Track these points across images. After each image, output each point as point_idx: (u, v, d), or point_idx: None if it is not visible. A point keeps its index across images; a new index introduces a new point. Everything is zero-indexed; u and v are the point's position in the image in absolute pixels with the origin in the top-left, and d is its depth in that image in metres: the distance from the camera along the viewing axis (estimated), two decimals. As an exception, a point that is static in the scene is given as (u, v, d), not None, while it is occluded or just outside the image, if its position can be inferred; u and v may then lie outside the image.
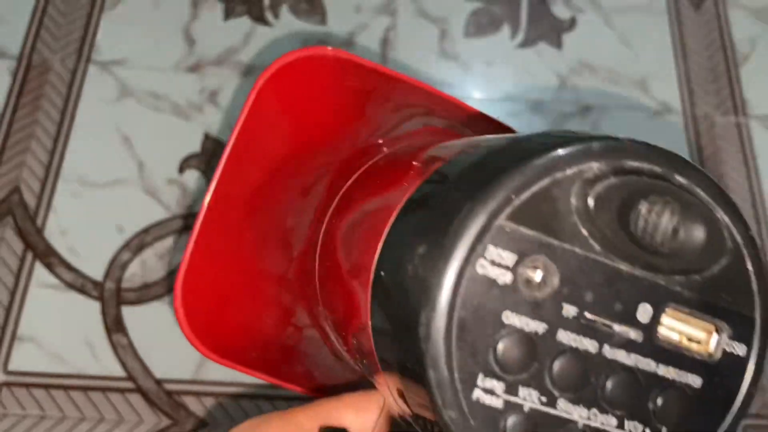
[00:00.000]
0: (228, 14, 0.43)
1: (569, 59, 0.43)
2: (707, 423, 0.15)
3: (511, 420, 0.14)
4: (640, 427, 0.15)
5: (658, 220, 0.15)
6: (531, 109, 0.41)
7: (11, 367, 0.33)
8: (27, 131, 0.38)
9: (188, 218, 0.37)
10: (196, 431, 0.32)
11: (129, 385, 0.33)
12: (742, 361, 0.16)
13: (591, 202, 0.15)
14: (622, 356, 0.15)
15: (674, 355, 0.15)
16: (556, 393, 0.14)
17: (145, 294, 0.35)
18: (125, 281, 0.35)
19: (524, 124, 0.41)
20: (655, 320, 0.15)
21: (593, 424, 0.15)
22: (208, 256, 0.24)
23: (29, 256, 0.36)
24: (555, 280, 0.14)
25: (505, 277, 0.14)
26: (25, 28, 0.41)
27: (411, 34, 0.43)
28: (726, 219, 0.16)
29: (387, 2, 0.43)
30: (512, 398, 0.14)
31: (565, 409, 0.14)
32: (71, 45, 0.41)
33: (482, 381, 0.14)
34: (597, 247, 0.15)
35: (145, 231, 0.36)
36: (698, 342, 0.15)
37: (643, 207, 0.15)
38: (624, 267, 0.15)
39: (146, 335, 0.34)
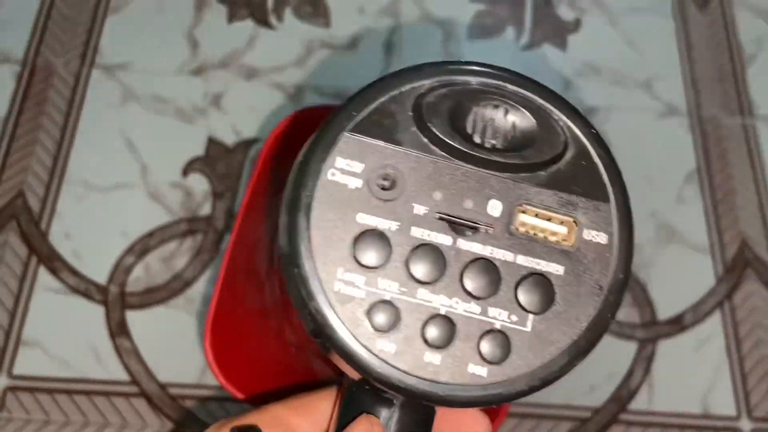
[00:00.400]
0: (231, 17, 0.42)
1: (574, 61, 0.43)
2: (577, 306, 0.16)
3: (373, 308, 0.16)
4: (504, 313, 0.16)
5: (489, 120, 0.17)
6: (536, 111, 0.41)
7: (16, 371, 0.33)
8: (31, 136, 0.38)
9: (192, 222, 0.37)
10: (200, 436, 0.32)
11: (133, 389, 0.33)
12: (604, 248, 0.17)
13: (425, 111, 0.17)
14: (477, 248, 0.16)
15: (532, 246, 0.16)
16: (414, 283, 0.16)
17: (149, 298, 0.35)
18: (129, 285, 0.35)
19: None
20: (509, 214, 0.16)
21: (456, 311, 0.16)
22: (229, 301, 0.26)
23: (33, 260, 0.36)
24: (403, 183, 0.16)
25: (356, 183, 0.16)
26: (29, 32, 0.41)
27: (415, 37, 0.43)
28: (564, 118, 0.17)
29: (391, 4, 0.43)
30: (373, 289, 0.16)
31: (426, 298, 0.16)
32: (75, 49, 0.41)
33: (343, 274, 0.16)
34: (439, 150, 0.17)
35: (149, 235, 0.36)
36: (556, 233, 0.16)
37: (475, 110, 0.17)
38: (468, 167, 0.17)
39: (150, 339, 0.34)
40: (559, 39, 0.43)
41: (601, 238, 0.17)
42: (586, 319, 0.16)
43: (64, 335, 0.34)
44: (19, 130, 0.39)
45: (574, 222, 0.17)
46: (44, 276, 0.35)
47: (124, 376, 0.33)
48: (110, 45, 0.41)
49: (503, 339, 0.16)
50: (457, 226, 0.16)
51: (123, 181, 0.38)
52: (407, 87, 0.17)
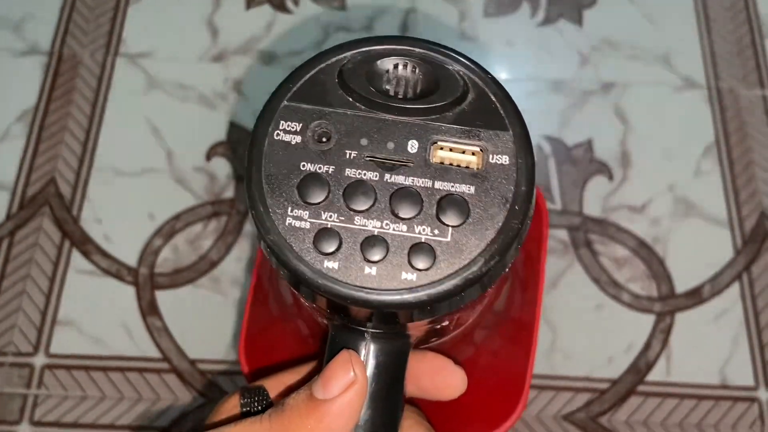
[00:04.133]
0: (249, 3, 0.43)
1: (591, 36, 0.43)
2: (488, 217, 0.19)
3: (318, 235, 0.19)
4: (428, 228, 0.19)
5: (401, 76, 0.21)
6: (551, 88, 0.41)
7: (53, 350, 0.35)
8: (60, 124, 0.40)
9: (216, 204, 0.38)
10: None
11: (164, 365, 0.35)
12: (508, 168, 0.20)
13: (347, 75, 0.21)
14: (401, 179, 0.20)
15: (447, 173, 0.20)
16: (351, 212, 0.19)
17: (177, 278, 0.36)
18: (158, 266, 0.37)
19: (544, 104, 0.41)
20: (425, 150, 0.20)
21: (388, 231, 0.19)
22: (258, 313, 0.29)
23: (66, 244, 0.37)
24: (335, 135, 0.20)
25: (296, 139, 0.20)
26: (54, 23, 0.42)
27: (430, 17, 0.43)
28: (463, 69, 0.21)
29: (406, -15, 0.44)
30: (316, 220, 0.19)
31: (361, 223, 0.19)
32: (100, 39, 0.42)
33: (291, 211, 0.19)
34: (361, 106, 0.20)
35: (176, 218, 0.38)
36: (465, 161, 0.20)
37: (388, 70, 0.21)
38: (387, 117, 0.20)
39: (180, 318, 0.36)
40: (575, 14, 0.43)
41: (504, 159, 0.20)
42: (496, 226, 0.19)
43: (97, 315, 0.36)
44: (48, 119, 0.40)
45: (480, 150, 0.20)
46: (77, 259, 0.37)
47: (155, 353, 0.35)
48: (133, 34, 0.42)
49: (428, 249, 0.19)
50: (382, 164, 0.20)
51: (149, 167, 0.39)
52: (332, 60, 0.21)
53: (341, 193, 0.19)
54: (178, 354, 0.35)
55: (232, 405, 0.23)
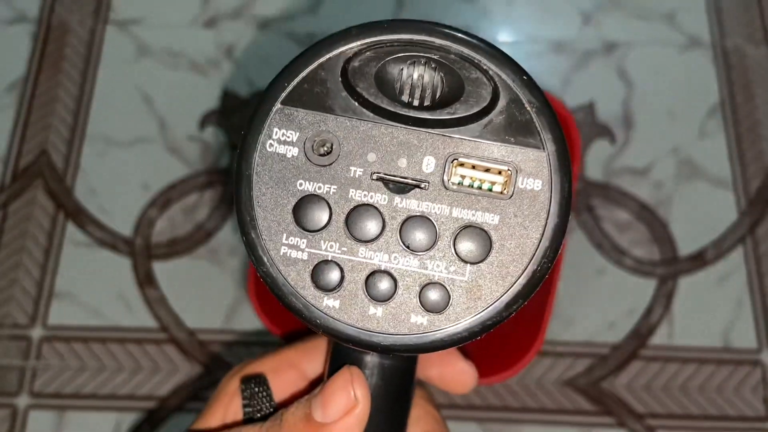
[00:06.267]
0: (241, -34, 0.42)
1: (592, -5, 0.41)
2: (514, 254, 0.17)
3: (316, 269, 0.17)
4: (442, 265, 0.17)
5: (416, 78, 0.17)
6: (553, 49, 0.40)
7: (50, 322, 0.35)
8: (51, 94, 0.39)
9: (211, 174, 0.37)
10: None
11: (163, 335, 0.34)
12: (540, 194, 0.17)
13: (353, 75, 0.17)
14: (413, 204, 0.17)
15: (467, 199, 0.17)
16: (355, 242, 0.17)
17: (173, 249, 0.36)
18: (154, 237, 0.36)
19: (546, 65, 0.40)
20: (442, 169, 0.17)
21: (396, 266, 0.17)
22: None
23: (61, 215, 0.37)
24: (337, 148, 0.17)
25: (292, 151, 0.17)
26: (42, -9, 0.41)
27: (427, -23, 0.42)
28: (494, 67, 0.17)
29: (402, -55, 0.42)
30: (315, 251, 0.17)
31: (366, 255, 0.17)
32: (88, 6, 0.41)
33: (287, 239, 0.17)
34: (369, 113, 0.17)
35: (171, 188, 0.37)
36: (490, 183, 0.17)
37: (401, 69, 0.17)
38: (399, 127, 0.17)
39: (177, 288, 0.35)
40: (576, -27, 0.42)
41: (536, 184, 0.17)
42: (523, 266, 0.17)
43: (94, 286, 0.35)
44: (39, 88, 0.39)
45: (508, 171, 0.17)
46: (72, 230, 0.36)
47: (153, 323, 0.35)
48: (122, 0, 0.41)
49: (442, 289, 0.17)
50: (392, 185, 0.17)
51: (142, 136, 0.38)
52: (335, 52, 0.17)
53: (344, 219, 0.17)
54: (176, 324, 0.35)
55: (231, 391, 0.22)
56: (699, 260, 0.36)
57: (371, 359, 0.19)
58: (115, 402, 0.33)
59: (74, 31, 0.40)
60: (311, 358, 0.22)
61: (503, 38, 0.41)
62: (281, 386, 0.22)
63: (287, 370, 0.22)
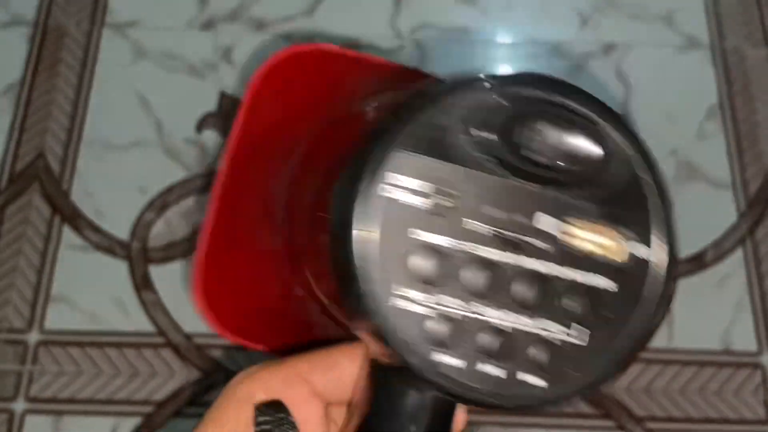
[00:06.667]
0: (238, -32, 0.42)
1: (590, -4, 0.41)
2: (625, 319, 0.17)
3: (430, 322, 0.16)
4: (554, 325, 0.17)
5: (540, 134, 0.17)
6: (551, 51, 0.40)
7: (47, 326, 0.35)
8: (47, 97, 0.39)
9: (208, 177, 0.37)
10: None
11: (160, 340, 0.34)
12: (652, 263, 0.17)
13: (477, 126, 0.17)
14: (527, 262, 0.17)
15: (582, 260, 0.17)
16: (468, 296, 0.16)
17: (170, 252, 0.36)
18: (151, 240, 0.36)
19: (544, 67, 0.40)
20: (559, 230, 0.17)
21: (508, 323, 0.16)
22: (221, 241, 0.26)
23: (57, 219, 0.36)
24: (455, 199, 0.16)
25: (408, 199, 0.16)
26: (39, -7, 0.41)
27: (425, -21, 0.41)
28: (613, 132, 0.18)
29: (399, -53, 0.42)
30: (429, 304, 0.16)
31: (479, 311, 0.16)
32: (85, 9, 0.41)
33: (399, 290, 0.16)
34: (490, 165, 0.17)
35: (168, 191, 0.37)
36: (605, 247, 0.17)
37: (526, 124, 0.17)
38: (519, 183, 0.17)
39: (174, 292, 0.35)
40: (574, -26, 0.42)
41: (648, 252, 0.17)
42: (634, 331, 0.17)
43: (91, 290, 0.35)
44: (35, 92, 0.39)
45: (623, 237, 0.17)
46: (68, 234, 0.36)
47: (150, 327, 0.35)
48: (119, 3, 0.41)
49: (553, 349, 0.17)
50: (508, 241, 0.17)
51: (139, 139, 0.38)
52: (458, 99, 0.17)
53: (458, 273, 0.16)
54: (173, 328, 0.35)
55: (241, 398, 0.21)
56: (698, 262, 0.36)
57: (417, 397, 0.18)
58: (111, 407, 0.33)
59: (71, 34, 0.40)
60: (322, 372, 0.21)
61: (502, 40, 0.41)
62: (292, 400, 0.21)
63: (299, 384, 0.21)
